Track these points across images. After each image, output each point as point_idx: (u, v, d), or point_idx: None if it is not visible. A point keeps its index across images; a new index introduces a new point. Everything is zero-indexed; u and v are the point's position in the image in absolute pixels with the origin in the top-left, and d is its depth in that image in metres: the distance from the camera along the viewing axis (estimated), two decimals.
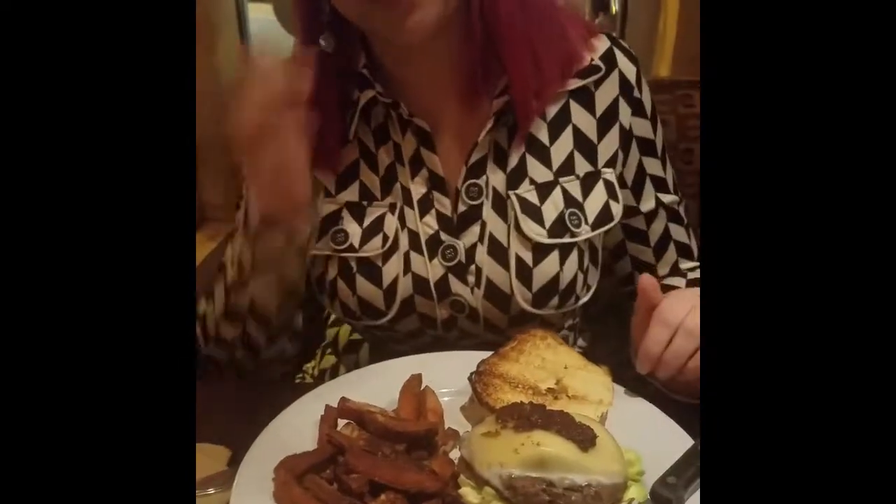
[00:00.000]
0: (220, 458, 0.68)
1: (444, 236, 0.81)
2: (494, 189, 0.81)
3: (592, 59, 0.82)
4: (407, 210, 0.82)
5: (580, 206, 0.82)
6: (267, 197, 0.71)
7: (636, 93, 0.84)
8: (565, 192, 0.81)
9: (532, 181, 0.81)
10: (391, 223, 0.81)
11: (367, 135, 0.83)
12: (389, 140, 0.82)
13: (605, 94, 0.83)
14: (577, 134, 0.82)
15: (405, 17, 0.68)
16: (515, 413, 0.60)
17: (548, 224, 0.80)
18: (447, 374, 0.72)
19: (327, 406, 0.67)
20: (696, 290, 0.73)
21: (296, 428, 0.66)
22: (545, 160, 0.82)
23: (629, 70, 0.84)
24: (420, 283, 0.82)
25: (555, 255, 0.80)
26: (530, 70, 0.77)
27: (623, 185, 0.86)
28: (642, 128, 0.85)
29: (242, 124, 0.66)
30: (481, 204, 0.81)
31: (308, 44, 0.77)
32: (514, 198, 0.80)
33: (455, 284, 0.81)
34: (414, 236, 0.81)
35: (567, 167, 0.82)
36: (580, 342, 0.97)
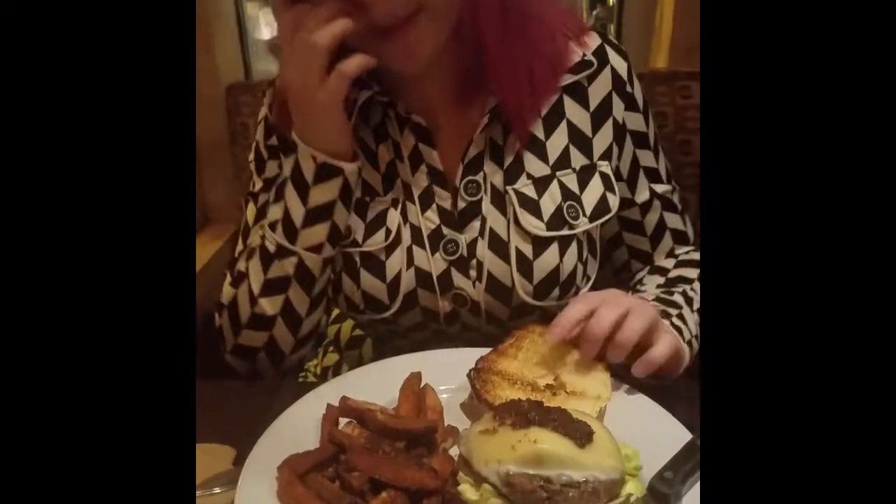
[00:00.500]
0: (224, 457, 0.69)
1: (445, 230, 0.82)
2: (493, 184, 0.82)
3: (584, 55, 0.83)
4: (409, 205, 0.83)
5: (577, 199, 0.83)
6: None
7: (628, 88, 0.85)
8: (562, 186, 0.82)
9: (529, 176, 0.82)
10: (393, 218, 0.82)
11: (366, 133, 0.84)
12: (388, 138, 0.83)
13: (599, 90, 0.84)
14: (572, 128, 0.83)
15: (405, 51, 0.70)
16: (513, 410, 0.60)
17: (546, 217, 0.81)
18: (446, 371, 0.73)
19: (328, 405, 0.68)
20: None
21: (298, 427, 0.67)
22: (541, 155, 0.83)
23: (621, 66, 0.85)
24: (423, 276, 0.83)
25: (554, 248, 0.81)
26: (519, 77, 0.78)
27: (619, 177, 0.87)
28: (635, 121, 0.86)
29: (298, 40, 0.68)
30: (480, 199, 0.82)
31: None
32: (512, 193, 0.81)
33: (457, 278, 0.83)
34: (416, 231, 0.82)
35: (563, 161, 0.83)
36: None
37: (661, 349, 0.71)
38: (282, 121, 0.80)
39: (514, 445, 0.57)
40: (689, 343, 0.79)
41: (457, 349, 0.79)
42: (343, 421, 0.67)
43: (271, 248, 0.79)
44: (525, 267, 0.81)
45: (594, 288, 0.87)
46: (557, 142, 0.83)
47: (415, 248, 0.83)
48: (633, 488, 0.59)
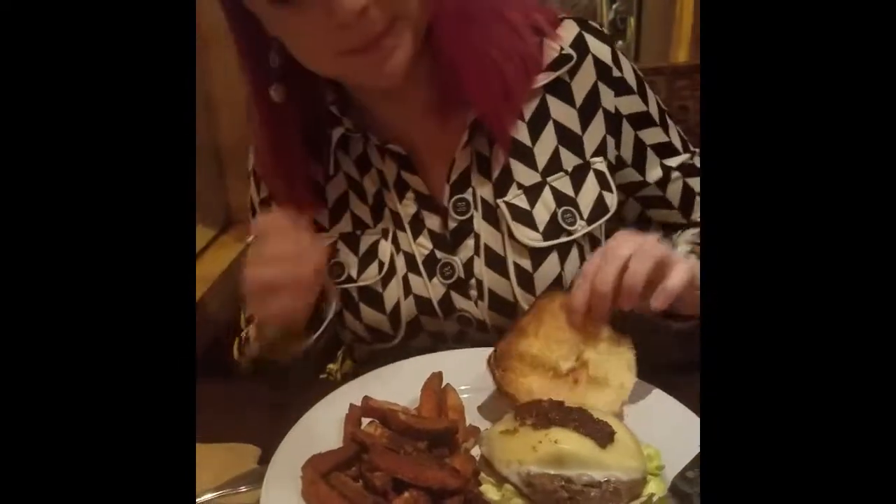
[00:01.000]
0: (250, 456, 0.70)
1: (439, 254, 0.81)
2: (483, 199, 0.80)
3: (562, 49, 0.79)
4: (399, 233, 0.82)
5: (573, 203, 0.80)
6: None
7: (615, 72, 0.81)
8: (555, 191, 0.80)
9: (519, 185, 0.80)
10: (385, 249, 0.81)
11: (349, 166, 0.83)
12: (372, 167, 0.82)
13: (583, 83, 0.80)
14: (559, 128, 0.80)
15: (383, 63, 0.68)
16: (533, 410, 0.60)
17: (541, 227, 0.79)
18: (467, 370, 0.73)
19: (351, 405, 0.69)
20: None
21: (322, 426, 0.68)
22: (529, 162, 0.80)
23: (603, 52, 0.80)
24: (423, 303, 0.82)
25: (554, 258, 0.79)
26: (490, 81, 0.74)
27: (622, 165, 0.83)
28: (630, 104, 0.82)
29: (252, 279, 0.67)
30: (471, 217, 0.80)
31: (259, 92, 0.76)
32: (503, 206, 0.79)
33: (458, 300, 0.82)
34: (410, 258, 0.82)
35: (553, 165, 0.80)
36: None
37: (676, 278, 0.66)
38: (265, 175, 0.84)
39: (535, 446, 0.57)
40: None
41: (477, 349, 0.79)
42: (365, 421, 0.68)
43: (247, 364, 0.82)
44: (525, 281, 0.79)
45: None
46: (545, 145, 0.80)
47: (411, 275, 0.82)
48: (655, 488, 0.58)
